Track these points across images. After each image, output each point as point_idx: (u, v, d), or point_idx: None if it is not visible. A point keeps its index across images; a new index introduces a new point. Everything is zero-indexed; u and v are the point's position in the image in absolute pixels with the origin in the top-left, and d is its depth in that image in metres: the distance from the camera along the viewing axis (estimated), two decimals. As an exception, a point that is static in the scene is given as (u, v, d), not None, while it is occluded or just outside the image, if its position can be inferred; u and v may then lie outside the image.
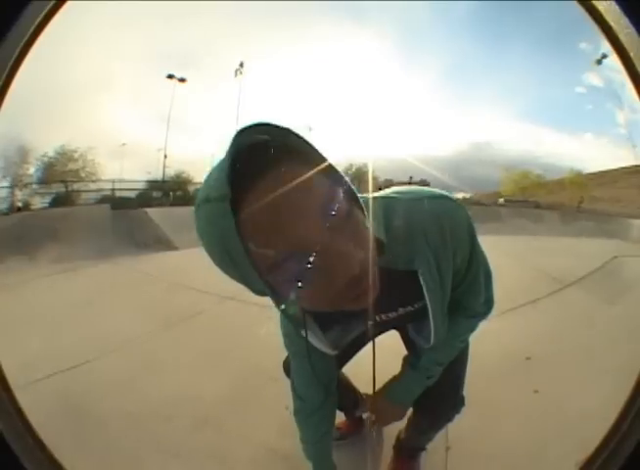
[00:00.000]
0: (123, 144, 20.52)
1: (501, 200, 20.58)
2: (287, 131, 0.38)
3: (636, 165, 18.71)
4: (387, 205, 0.54)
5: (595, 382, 1.64)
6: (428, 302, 0.58)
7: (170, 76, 18.88)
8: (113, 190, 13.22)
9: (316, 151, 0.40)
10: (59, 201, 12.22)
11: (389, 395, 0.78)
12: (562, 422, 1.36)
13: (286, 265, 0.35)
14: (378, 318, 0.65)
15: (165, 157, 16.51)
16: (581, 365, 1.83)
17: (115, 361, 1.98)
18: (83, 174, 14.83)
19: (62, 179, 13.91)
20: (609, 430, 0.44)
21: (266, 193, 0.34)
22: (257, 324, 2.37)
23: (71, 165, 14.99)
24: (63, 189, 13.23)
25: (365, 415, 1.25)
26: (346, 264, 0.36)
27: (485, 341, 2.02)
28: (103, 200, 11.95)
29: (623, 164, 20.78)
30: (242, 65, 21.28)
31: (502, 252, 5.91)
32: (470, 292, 0.65)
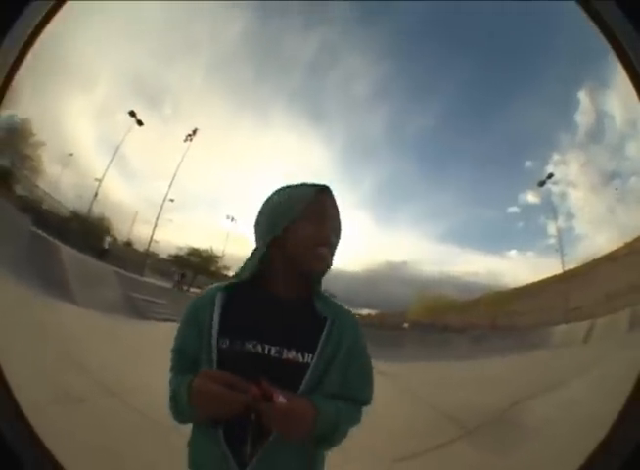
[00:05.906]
0: (71, 154, 18.82)
1: (406, 325, 19.54)
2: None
3: (563, 272, 17.69)
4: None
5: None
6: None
7: (132, 114, 18.24)
8: (41, 200, 13.60)
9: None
10: (-1, 175, 12.00)
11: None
12: None
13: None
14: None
15: (96, 195, 16.71)
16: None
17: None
18: (27, 165, 14.50)
19: (11, 157, 13.60)
20: (608, 432, 0.44)
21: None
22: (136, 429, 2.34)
23: (23, 148, 14.56)
24: (8, 164, 13.08)
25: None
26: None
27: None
28: (28, 204, 12.16)
29: (549, 275, 19.44)
30: (194, 132, 20.01)
31: (398, 388, 5.68)
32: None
